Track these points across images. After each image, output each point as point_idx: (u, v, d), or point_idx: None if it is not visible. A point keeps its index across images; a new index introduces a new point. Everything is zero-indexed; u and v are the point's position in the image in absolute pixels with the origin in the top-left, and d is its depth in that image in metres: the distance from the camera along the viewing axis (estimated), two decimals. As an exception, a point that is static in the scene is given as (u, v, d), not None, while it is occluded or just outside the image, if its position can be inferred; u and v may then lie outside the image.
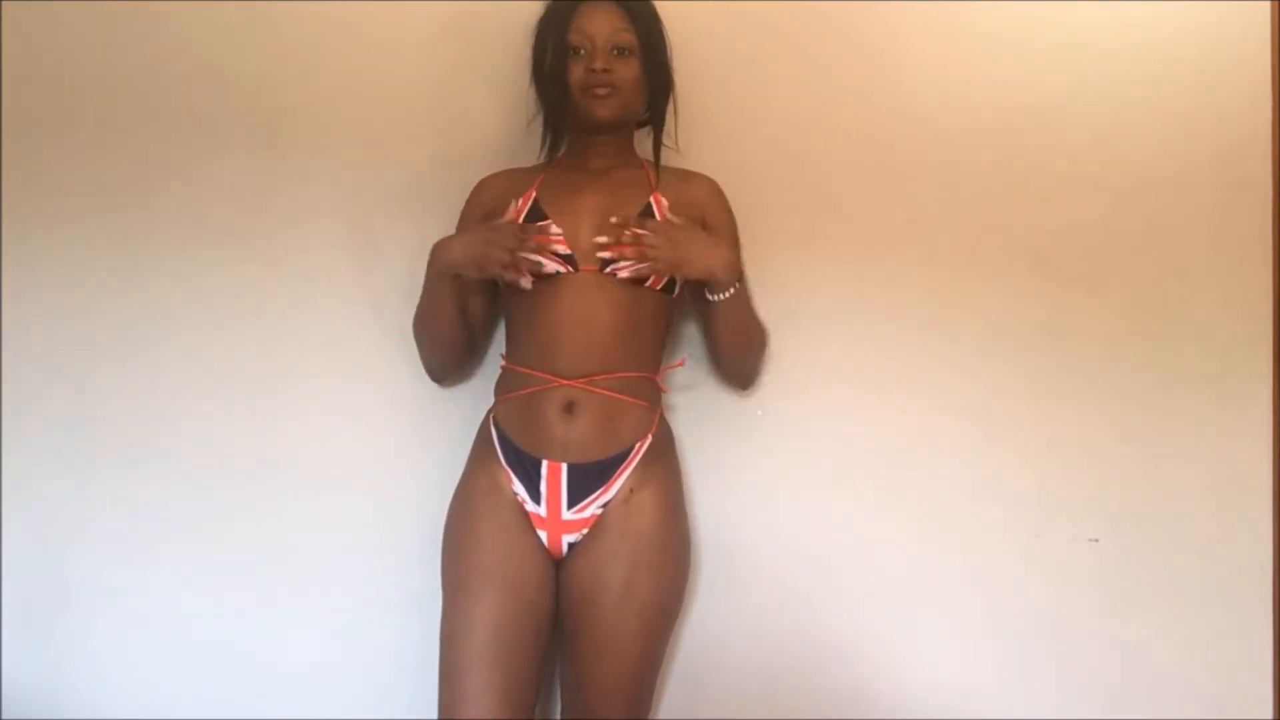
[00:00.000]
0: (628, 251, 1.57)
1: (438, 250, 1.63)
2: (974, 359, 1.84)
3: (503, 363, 1.71)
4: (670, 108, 1.73)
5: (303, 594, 1.85)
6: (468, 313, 1.72)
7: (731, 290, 1.62)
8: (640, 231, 1.58)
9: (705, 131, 1.80)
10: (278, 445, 1.86)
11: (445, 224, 1.75)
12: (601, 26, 1.63)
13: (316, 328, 1.86)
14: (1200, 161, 1.84)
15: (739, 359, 1.76)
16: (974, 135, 1.85)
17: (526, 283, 1.60)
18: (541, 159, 1.73)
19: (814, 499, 1.84)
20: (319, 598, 1.85)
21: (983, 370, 1.84)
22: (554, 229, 1.61)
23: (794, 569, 1.83)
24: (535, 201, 1.66)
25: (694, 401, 1.83)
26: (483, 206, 1.72)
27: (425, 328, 1.73)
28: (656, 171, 1.71)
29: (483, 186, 1.75)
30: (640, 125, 1.75)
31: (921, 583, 1.83)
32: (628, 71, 1.64)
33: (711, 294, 1.62)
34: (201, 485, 1.86)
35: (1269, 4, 1.84)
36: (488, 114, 1.86)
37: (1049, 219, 1.84)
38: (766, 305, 1.77)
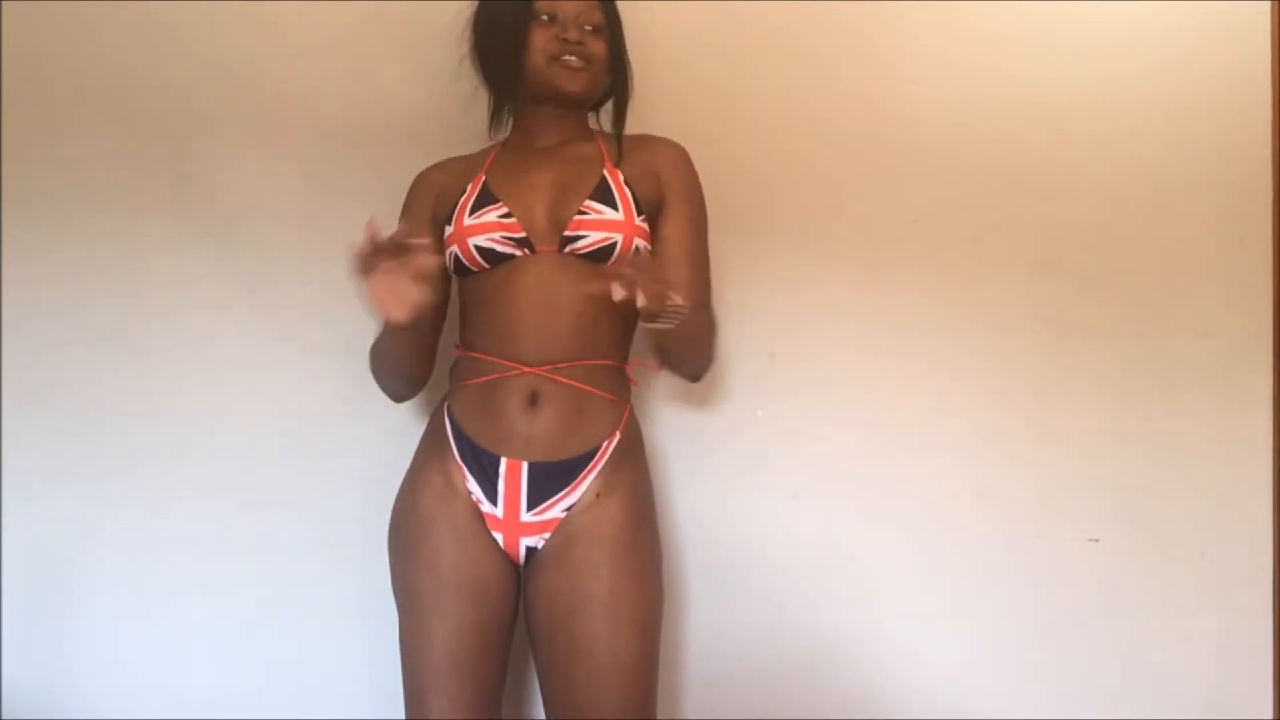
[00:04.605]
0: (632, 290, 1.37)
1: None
2: (974, 359, 1.84)
3: (457, 350, 1.62)
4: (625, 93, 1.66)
5: (305, 593, 1.85)
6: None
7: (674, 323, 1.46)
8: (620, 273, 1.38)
9: (707, 132, 1.80)
10: (277, 445, 1.86)
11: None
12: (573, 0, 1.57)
13: (316, 328, 1.86)
14: (1201, 161, 1.84)
15: (680, 366, 1.65)
16: (975, 136, 1.85)
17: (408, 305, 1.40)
18: (493, 133, 1.65)
19: (814, 499, 1.83)
20: (321, 597, 1.85)
21: (983, 370, 1.84)
22: (416, 241, 1.39)
23: (794, 570, 1.83)
24: (484, 185, 1.58)
25: (692, 404, 1.83)
26: (430, 198, 1.63)
27: (382, 364, 1.63)
28: (615, 146, 1.62)
29: (425, 178, 1.66)
30: (591, 108, 1.68)
31: (921, 583, 1.83)
32: (599, 48, 1.59)
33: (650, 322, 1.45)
34: (201, 485, 1.86)
35: (1269, 4, 1.84)
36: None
37: (1050, 219, 1.84)
38: (767, 305, 1.77)
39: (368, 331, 1.75)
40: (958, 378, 1.84)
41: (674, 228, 1.61)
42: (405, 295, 1.40)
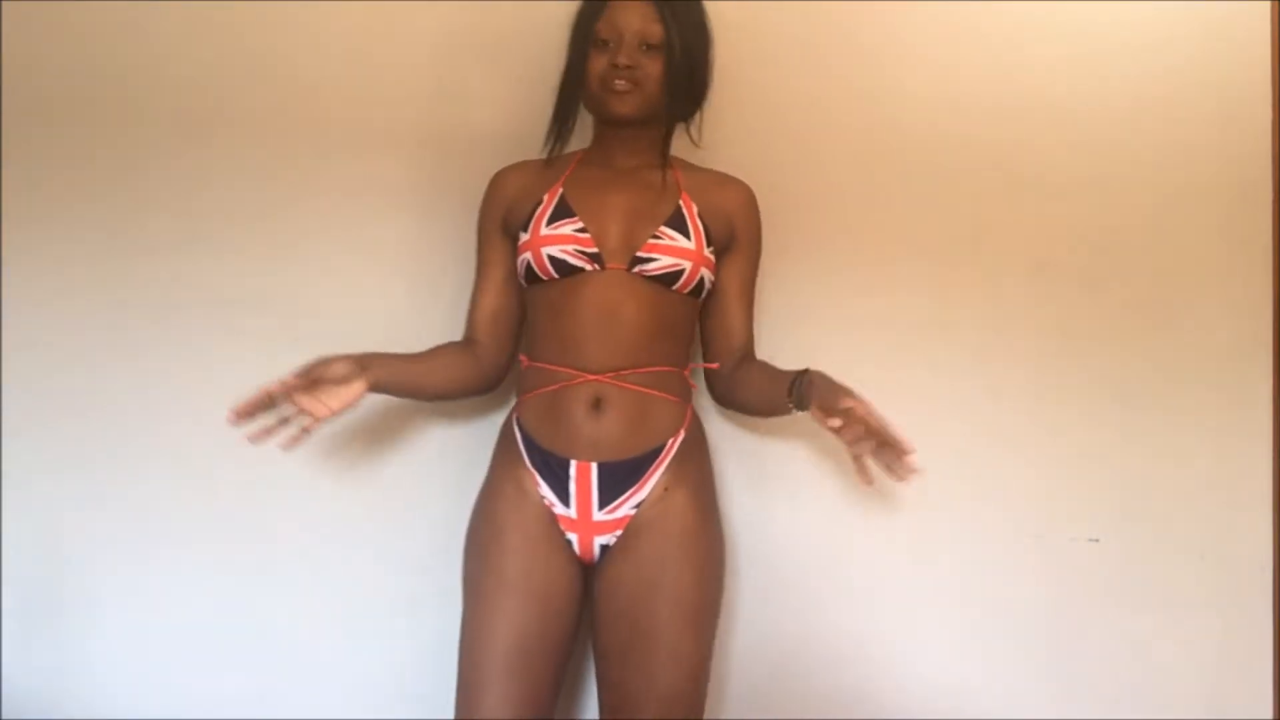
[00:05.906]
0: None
1: None
2: (975, 360, 1.84)
3: (524, 361, 1.66)
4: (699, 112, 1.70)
5: (303, 593, 1.85)
6: (505, 311, 1.69)
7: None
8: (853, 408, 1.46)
9: (705, 134, 1.80)
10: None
11: (444, 220, 1.78)
12: (631, 20, 1.59)
13: (319, 327, 1.85)
14: (1200, 162, 1.84)
15: (742, 408, 1.74)
16: (975, 137, 1.85)
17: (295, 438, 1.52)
18: (544, 153, 1.68)
19: (814, 500, 1.84)
20: (320, 597, 1.85)
21: (984, 371, 1.84)
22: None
23: (795, 570, 1.83)
24: (562, 197, 1.62)
25: (696, 407, 1.83)
26: (505, 201, 1.68)
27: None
28: (691, 174, 1.67)
29: (501, 180, 1.70)
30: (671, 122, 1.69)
31: (922, 583, 1.83)
32: (654, 69, 1.60)
33: (797, 409, 1.57)
34: (202, 484, 1.85)
35: (1269, 4, 1.84)
36: (490, 112, 1.86)
37: (1050, 220, 1.84)
38: (770, 307, 1.77)
39: (376, 330, 1.76)
40: (958, 378, 1.84)
41: (738, 272, 1.69)
42: (330, 397, 1.53)
